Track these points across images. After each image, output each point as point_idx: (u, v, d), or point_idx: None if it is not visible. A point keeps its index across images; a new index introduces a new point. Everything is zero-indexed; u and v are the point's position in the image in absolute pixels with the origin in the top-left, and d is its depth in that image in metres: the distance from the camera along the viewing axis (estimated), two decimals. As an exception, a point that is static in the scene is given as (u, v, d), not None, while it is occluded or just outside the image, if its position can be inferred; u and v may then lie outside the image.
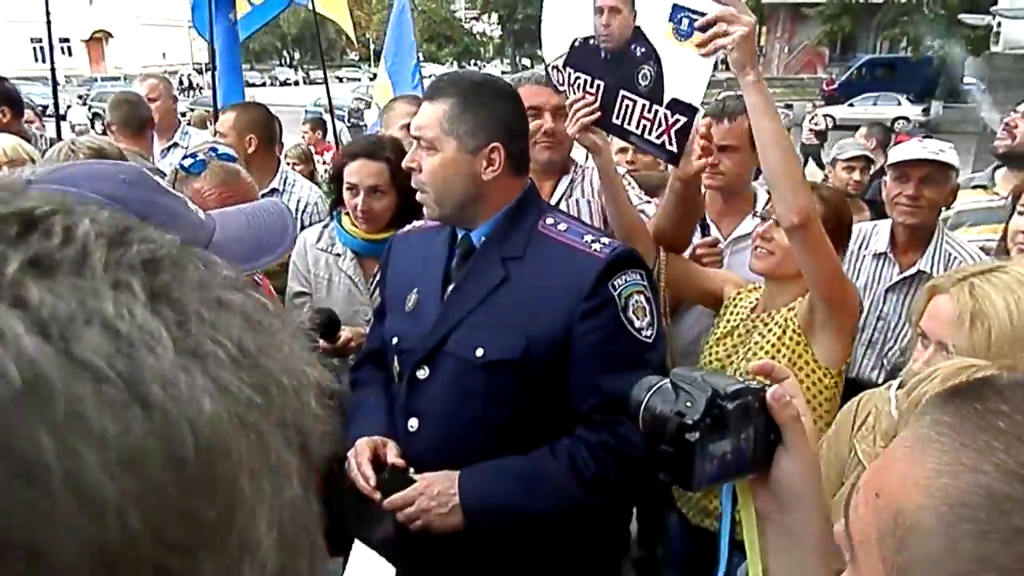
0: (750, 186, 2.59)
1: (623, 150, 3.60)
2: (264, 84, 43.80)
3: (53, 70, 5.28)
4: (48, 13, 4.55)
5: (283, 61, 65.29)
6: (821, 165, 10.33)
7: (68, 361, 0.25)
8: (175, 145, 4.34)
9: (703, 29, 1.78)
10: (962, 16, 18.77)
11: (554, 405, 1.62)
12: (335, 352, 2.31)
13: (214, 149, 2.13)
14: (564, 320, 1.59)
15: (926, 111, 25.30)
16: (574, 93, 2.06)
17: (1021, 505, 0.48)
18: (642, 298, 1.63)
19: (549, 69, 2.15)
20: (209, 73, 4.29)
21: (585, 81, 2.03)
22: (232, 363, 0.29)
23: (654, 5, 1.87)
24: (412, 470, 1.64)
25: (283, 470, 0.30)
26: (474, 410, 1.63)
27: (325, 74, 5.57)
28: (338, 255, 2.56)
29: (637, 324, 1.61)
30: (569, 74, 2.07)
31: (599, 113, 2.02)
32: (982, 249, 2.61)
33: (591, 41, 2.01)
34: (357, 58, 56.89)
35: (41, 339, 0.25)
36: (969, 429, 0.54)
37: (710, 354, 2.20)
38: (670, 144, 1.92)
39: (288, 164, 5.85)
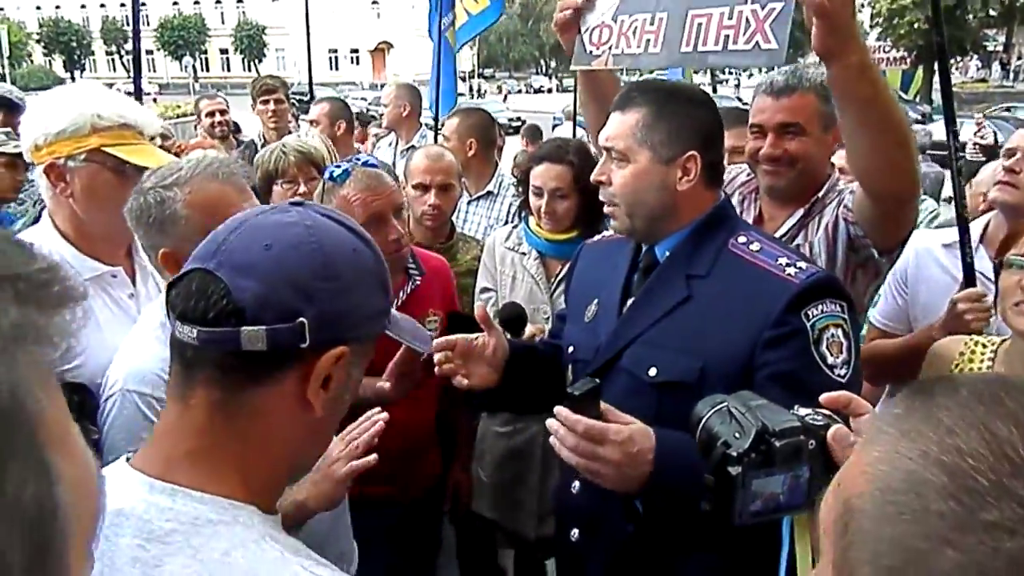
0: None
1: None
2: (520, 91, 45.98)
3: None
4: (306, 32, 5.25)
5: (539, 69, 68.12)
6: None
7: None
8: (413, 147, 4.68)
9: None
10: None
11: None
12: None
13: (358, 158, 2.21)
14: (747, 346, 1.44)
15: None
16: (624, 42, 1.83)
17: (935, 488, 0.51)
18: (839, 332, 1.45)
19: (585, 36, 1.90)
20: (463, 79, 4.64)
21: (644, 21, 1.80)
22: None
23: None
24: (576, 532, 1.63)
25: None
26: None
27: (575, 83, 5.64)
28: (524, 254, 2.66)
29: (830, 360, 1.42)
30: (622, 22, 1.83)
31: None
32: None
33: None
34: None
35: None
36: (912, 421, 0.57)
37: None
38: (766, 41, 1.59)
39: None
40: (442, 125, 4.04)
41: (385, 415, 1.57)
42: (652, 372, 1.53)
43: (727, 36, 1.66)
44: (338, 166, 2.13)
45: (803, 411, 0.86)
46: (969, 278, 2.18)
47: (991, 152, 11.21)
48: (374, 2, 58.00)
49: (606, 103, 1.75)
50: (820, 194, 2.04)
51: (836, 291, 1.49)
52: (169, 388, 0.92)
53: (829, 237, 1.99)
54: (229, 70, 60.84)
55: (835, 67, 1.52)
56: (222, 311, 0.85)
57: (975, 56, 40.64)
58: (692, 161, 1.54)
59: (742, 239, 1.57)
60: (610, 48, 1.84)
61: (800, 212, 2.04)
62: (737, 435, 0.82)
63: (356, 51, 58.46)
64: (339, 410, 0.98)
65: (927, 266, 2.25)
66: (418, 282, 2.28)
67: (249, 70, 57.91)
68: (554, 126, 16.97)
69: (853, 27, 1.52)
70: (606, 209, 1.67)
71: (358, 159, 2.19)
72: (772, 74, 2.07)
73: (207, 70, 60.20)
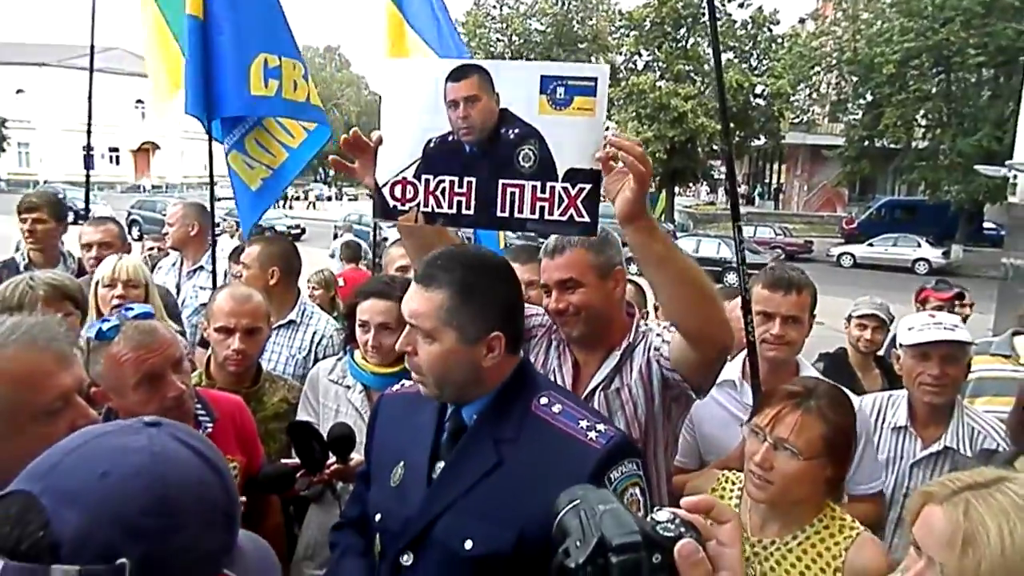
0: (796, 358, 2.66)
1: (401, 268, 3.41)
2: (298, 198, 45.35)
3: (88, 177, 5.61)
4: (89, 124, 4.87)
5: (318, 177, 67.94)
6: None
7: None
8: (201, 268, 4.45)
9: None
10: (978, 167, 19.20)
11: None
12: (345, 475, 2.27)
13: (128, 308, 2.05)
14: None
15: (946, 254, 25.57)
16: (435, 202, 1.82)
17: None
18: (637, 490, 1.55)
19: (384, 190, 1.85)
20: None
21: (451, 183, 1.80)
22: None
23: (518, 84, 1.73)
24: None
25: None
26: None
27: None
28: (348, 387, 2.63)
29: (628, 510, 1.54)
30: (427, 181, 1.81)
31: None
32: (1000, 420, 2.55)
33: (450, 138, 1.79)
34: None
35: None
36: None
37: None
38: (580, 216, 1.74)
39: (310, 289, 6.01)
40: (238, 249, 3.92)
41: None
42: (468, 545, 1.51)
43: (542, 207, 1.75)
44: (105, 320, 1.97)
45: (662, 515, 0.82)
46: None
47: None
48: (139, 102, 54.99)
49: (426, 247, 1.81)
50: (631, 339, 2.24)
51: (631, 451, 1.60)
52: None
53: (644, 378, 2.18)
54: (-42, 163, 53.77)
55: (632, 229, 1.69)
56: (35, 544, 0.78)
57: (704, 183, 47.12)
58: (496, 340, 1.59)
59: (544, 400, 1.63)
60: (418, 205, 1.84)
61: (616, 358, 2.22)
62: (578, 543, 0.77)
63: (116, 150, 54.58)
64: None
65: (706, 404, 2.49)
66: (210, 428, 2.15)
67: (-17, 164, 51.66)
68: (335, 235, 16.95)
69: (647, 196, 1.72)
70: (413, 376, 1.68)
71: (129, 310, 2.04)
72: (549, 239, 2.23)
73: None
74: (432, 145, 1.80)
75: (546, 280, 2.20)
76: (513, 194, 1.76)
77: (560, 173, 1.73)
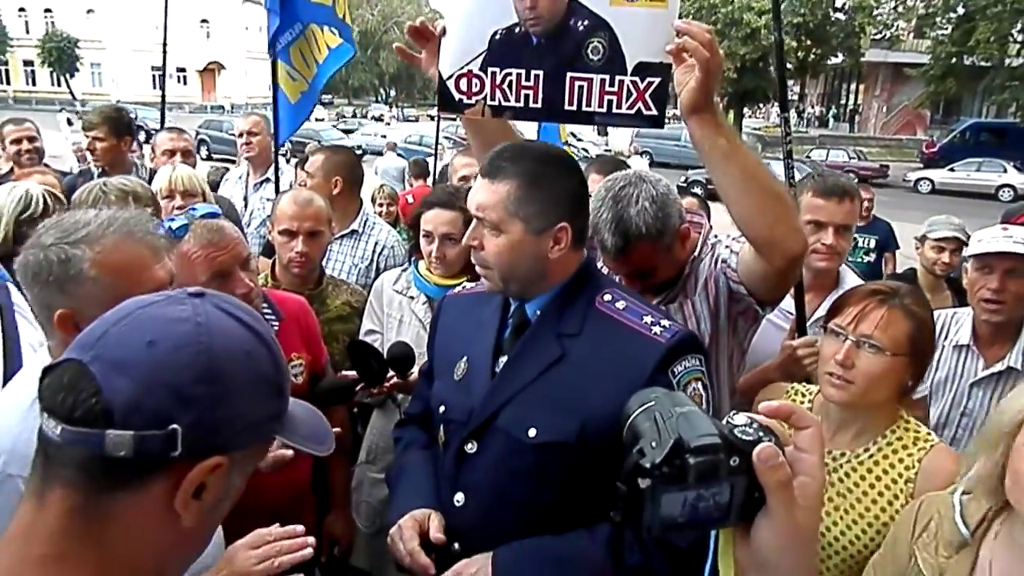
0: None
1: (464, 178, 3.55)
2: (355, 115, 45.59)
3: (164, 98, 5.66)
4: (165, 44, 4.88)
5: (379, 98, 67.76)
6: None
7: None
8: (267, 180, 4.52)
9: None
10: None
11: (606, 487, 1.55)
12: (404, 388, 2.34)
13: (194, 208, 2.09)
14: (622, 404, 1.52)
15: (1034, 179, 24.07)
16: (501, 95, 1.79)
17: None
18: (700, 385, 1.56)
19: (450, 83, 1.80)
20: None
21: (519, 76, 1.76)
22: None
23: None
24: (456, 545, 1.60)
25: None
26: (524, 489, 1.56)
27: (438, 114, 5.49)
28: (412, 298, 2.66)
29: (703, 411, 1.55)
30: (493, 74, 1.77)
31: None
32: None
33: (516, 30, 1.74)
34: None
35: None
36: None
37: None
38: (648, 109, 1.70)
39: (383, 205, 6.05)
40: (303, 158, 3.95)
41: (311, 540, 1.50)
42: (532, 433, 1.54)
43: (611, 101, 1.71)
44: (173, 219, 2.00)
45: (740, 419, 0.79)
46: (801, 325, 2.45)
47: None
48: (203, 21, 55.29)
49: (492, 143, 1.77)
50: (698, 252, 2.18)
51: (696, 347, 1.60)
52: (28, 482, 0.85)
53: (709, 292, 2.13)
54: (35, 84, 55.45)
55: (696, 121, 1.62)
56: (89, 410, 0.79)
57: (775, 104, 45.21)
58: (563, 231, 1.60)
59: (607, 297, 1.64)
60: (485, 98, 1.81)
61: (678, 280, 2.17)
62: (654, 444, 0.74)
63: (183, 70, 55.31)
64: (214, 519, 0.93)
65: None
66: (276, 327, 2.21)
67: (58, 84, 53.13)
68: (380, 153, 16.89)
69: (715, 87, 1.64)
70: (479, 270, 1.70)
71: (195, 209, 2.07)
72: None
73: (8, 83, 54.54)
74: (498, 37, 1.76)
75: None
76: (581, 87, 1.73)
77: (630, 66, 1.68)
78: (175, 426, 0.80)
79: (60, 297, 1.39)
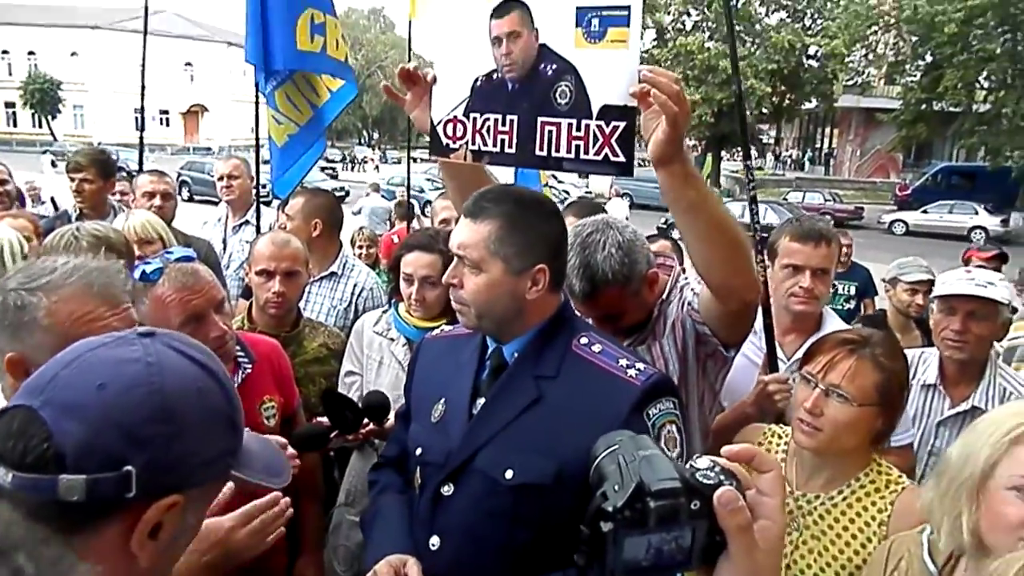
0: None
1: (444, 221, 3.62)
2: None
3: (142, 139, 5.68)
4: (143, 87, 4.91)
5: (362, 140, 68.28)
6: None
7: None
8: (247, 223, 4.54)
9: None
10: (1044, 129, 18.38)
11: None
12: (380, 435, 2.34)
13: (169, 252, 2.09)
14: None
15: (1005, 222, 24.60)
16: (480, 140, 1.81)
17: None
18: (674, 428, 1.57)
19: (439, 128, 1.87)
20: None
21: (496, 121, 1.80)
22: None
23: (554, 15, 1.68)
24: None
25: None
26: (500, 531, 1.55)
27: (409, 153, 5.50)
28: (392, 340, 2.67)
29: (668, 455, 1.55)
30: (474, 120, 1.82)
31: None
32: None
33: (494, 76, 1.79)
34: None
35: None
36: None
37: None
38: (615, 155, 1.66)
39: (358, 248, 6.10)
40: (284, 200, 3.97)
41: (289, 512, 1.51)
42: (508, 475, 1.54)
43: (578, 146, 1.69)
44: (148, 262, 2.00)
45: (702, 463, 0.80)
46: (772, 361, 2.49)
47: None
48: (187, 64, 55.71)
49: (466, 188, 1.82)
50: (666, 295, 2.21)
51: (671, 390, 1.62)
52: None
53: (677, 334, 2.16)
54: (16, 125, 55.34)
55: (665, 173, 1.59)
56: (41, 456, 0.79)
57: (752, 147, 46.11)
58: (541, 272, 1.62)
59: (584, 340, 1.65)
60: (467, 144, 1.85)
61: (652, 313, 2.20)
62: (616, 487, 0.76)
63: (166, 112, 55.57)
64: (170, 559, 0.92)
65: None
66: (249, 370, 2.20)
67: (40, 126, 53.06)
68: (366, 195, 17.09)
69: (683, 137, 1.63)
70: (455, 307, 1.70)
71: (170, 253, 2.07)
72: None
73: (-11, 125, 54.46)
74: (479, 83, 1.81)
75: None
76: (551, 132, 1.73)
77: (595, 110, 1.66)
78: (129, 467, 0.80)
79: (12, 342, 1.39)
